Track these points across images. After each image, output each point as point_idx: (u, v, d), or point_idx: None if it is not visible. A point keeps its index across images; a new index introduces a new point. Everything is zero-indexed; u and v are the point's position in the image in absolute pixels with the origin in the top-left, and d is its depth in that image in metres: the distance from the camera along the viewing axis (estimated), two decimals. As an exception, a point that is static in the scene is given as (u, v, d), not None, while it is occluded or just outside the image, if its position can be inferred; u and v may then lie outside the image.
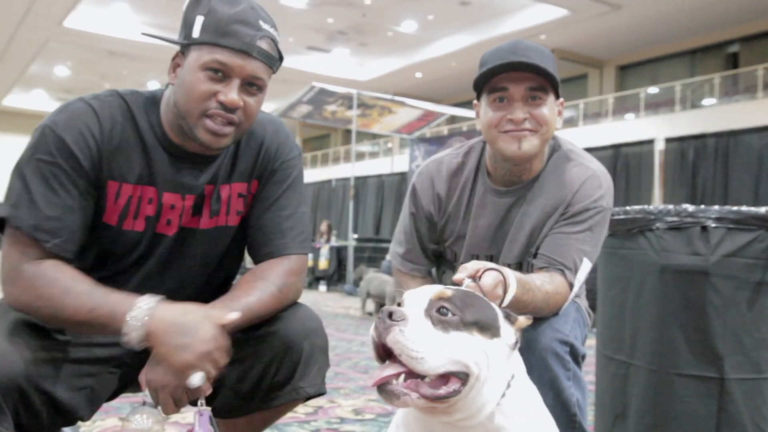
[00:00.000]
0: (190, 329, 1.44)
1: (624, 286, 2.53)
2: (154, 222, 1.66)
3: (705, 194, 14.67)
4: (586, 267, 1.84)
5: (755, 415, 2.40)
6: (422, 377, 1.15)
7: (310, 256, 14.19)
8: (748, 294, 2.34)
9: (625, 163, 15.73)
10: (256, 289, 1.62)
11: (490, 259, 1.93)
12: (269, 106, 20.05)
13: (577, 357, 1.82)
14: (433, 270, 2.15)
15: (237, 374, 1.66)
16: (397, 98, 13.82)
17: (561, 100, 1.88)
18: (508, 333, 1.26)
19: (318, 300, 11.24)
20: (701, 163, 15.02)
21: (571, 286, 1.80)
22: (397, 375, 1.14)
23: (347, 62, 23.47)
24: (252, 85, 1.58)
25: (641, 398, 2.44)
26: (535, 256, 1.87)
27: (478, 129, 1.91)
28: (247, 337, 1.63)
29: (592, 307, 2.18)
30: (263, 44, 1.57)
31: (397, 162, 19.56)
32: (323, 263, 13.89)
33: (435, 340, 1.13)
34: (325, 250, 13.93)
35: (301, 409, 3.27)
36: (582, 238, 1.84)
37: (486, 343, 1.19)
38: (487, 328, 1.20)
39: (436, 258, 2.12)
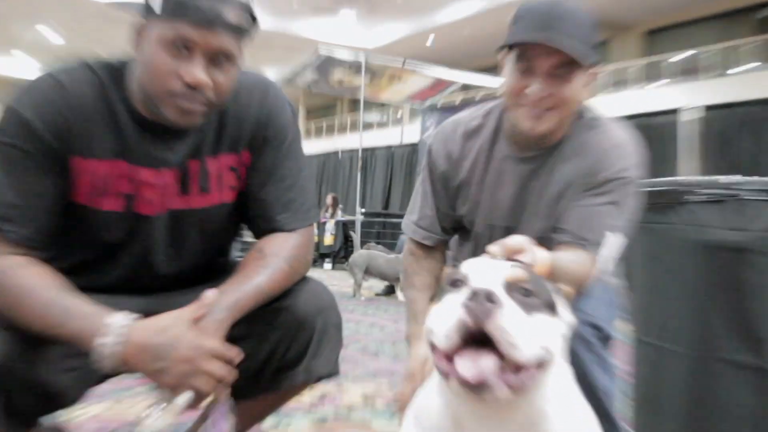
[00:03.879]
0: (164, 351, 1.39)
1: (658, 263, 2.48)
2: (132, 201, 1.62)
3: (742, 166, 14.57)
4: (615, 242, 1.79)
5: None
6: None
7: (315, 231, 14.24)
8: (792, 273, 2.27)
9: (645, 132, 15.63)
10: (265, 267, 1.61)
11: (508, 231, 1.90)
12: (271, 74, 19.92)
13: (607, 340, 1.79)
14: (452, 244, 2.12)
15: (246, 355, 1.62)
16: (407, 64, 13.68)
17: (595, 67, 1.81)
18: (564, 310, 1.25)
19: (323, 278, 11.21)
20: (736, 133, 14.88)
21: (598, 263, 1.76)
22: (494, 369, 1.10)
23: (354, 28, 23.29)
24: (221, 59, 1.50)
25: (679, 388, 2.39)
26: (556, 230, 1.82)
27: (500, 92, 1.86)
28: (255, 313, 1.61)
29: (628, 286, 2.13)
30: (230, 13, 1.47)
31: (408, 132, 19.42)
32: (328, 239, 13.88)
33: (527, 324, 1.11)
34: (330, 225, 13.91)
35: (306, 397, 3.25)
36: (607, 210, 1.79)
37: (558, 324, 1.20)
38: (553, 308, 1.20)
39: (454, 231, 2.09)
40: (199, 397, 1.44)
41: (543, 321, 1.15)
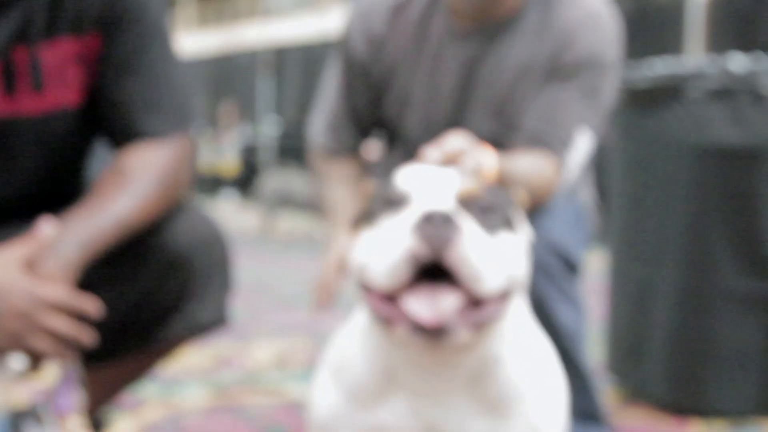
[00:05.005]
0: None
1: (647, 174, 2.58)
2: None
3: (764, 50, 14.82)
4: (584, 143, 1.84)
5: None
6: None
7: (213, 152, 14.04)
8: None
9: (646, 15, 15.75)
10: (127, 190, 1.59)
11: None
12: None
13: (572, 270, 1.85)
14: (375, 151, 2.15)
15: (105, 303, 1.61)
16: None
17: None
18: (523, 223, 1.29)
19: (221, 217, 11.16)
20: (753, 11, 15.10)
21: (563, 169, 1.80)
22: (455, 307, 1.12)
23: None
24: None
25: (669, 324, 2.52)
26: (514, 128, 1.86)
27: None
28: (119, 251, 1.60)
29: (602, 203, 2.20)
30: None
31: (332, 22, 19.20)
32: (228, 163, 13.76)
33: (490, 249, 1.13)
34: (229, 145, 13.76)
35: (201, 360, 3.30)
36: (576, 102, 1.83)
37: (518, 241, 1.22)
38: (513, 224, 1.23)
39: (375, 134, 2.12)
40: (38, 361, 1.44)
41: (506, 242, 1.17)
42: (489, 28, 1.89)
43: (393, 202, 1.19)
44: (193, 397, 2.82)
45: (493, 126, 1.90)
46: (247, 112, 16.13)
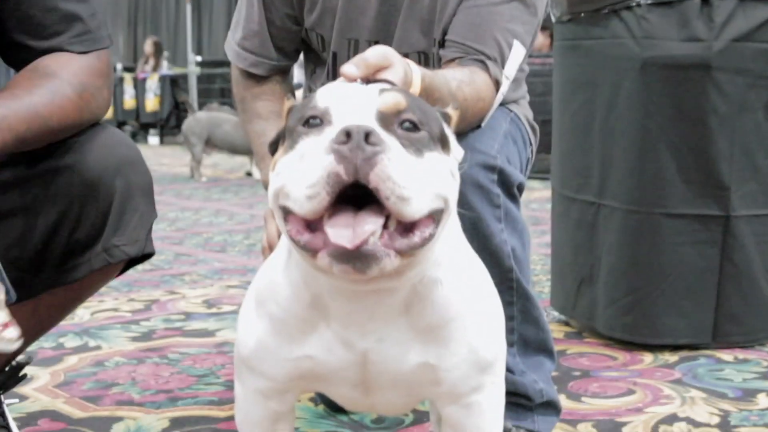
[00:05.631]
0: None
1: (590, 93, 2.55)
2: None
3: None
4: (517, 55, 1.81)
5: (770, 265, 2.52)
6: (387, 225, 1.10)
7: (131, 92, 13.90)
8: (766, 95, 2.39)
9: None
10: (43, 87, 1.57)
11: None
12: None
13: (511, 188, 1.81)
14: (297, 74, 2.13)
15: (13, 235, 1.61)
16: None
17: None
18: (454, 142, 1.26)
19: (148, 157, 11.07)
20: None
21: (497, 84, 1.78)
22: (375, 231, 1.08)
23: None
24: None
25: (615, 252, 2.51)
26: (443, 44, 1.83)
27: None
28: (27, 175, 1.58)
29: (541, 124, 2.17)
30: None
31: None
32: (152, 102, 13.64)
33: (416, 169, 1.10)
34: (152, 83, 13.64)
35: (128, 305, 3.25)
36: (508, 11, 1.80)
37: (451, 162, 1.20)
38: (445, 141, 1.21)
39: (296, 54, 2.09)
40: None
41: (435, 161, 1.15)
42: None
43: (311, 120, 1.15)
44: (118, 343, 2.76)
45: (422, 42, 1.87)
46: (169, 49, 15.98)
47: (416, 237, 1.11)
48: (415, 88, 1.41)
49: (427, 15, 1.85)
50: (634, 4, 2.43)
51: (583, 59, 2.58)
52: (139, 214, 1.69)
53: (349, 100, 1.16)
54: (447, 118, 1.27)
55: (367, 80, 1.30)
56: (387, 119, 1.13)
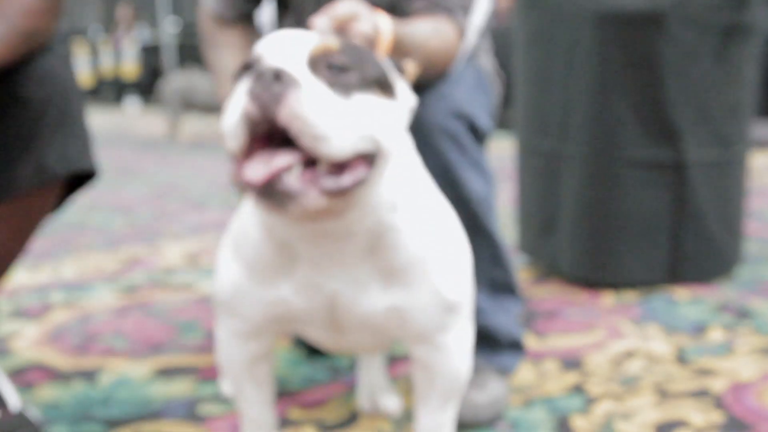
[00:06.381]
0: None
1: (548, 46, 2.62)
2: None
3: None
4: (482, 6, 1.85)
5: (721, 207, 2.62)
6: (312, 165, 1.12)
7: (110, 58, 13.72)
8: (715, 43, 2.47)
9: None
10: None
11: None
12: None
13: (478, 135, 1.87)
14: (264, 19, 2.11)
15: None
16: None
17: None
18: (404, 90, 1.29)
19: (126, 123, 11.03)
20: None
21: (462, 33, 1.81)
22: (289, 166, 1.10)
23: None
24: None
25: (576, 197, 2.61)
26: None
27: None
28: None
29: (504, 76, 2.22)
30: None
31: None
32: (129, 68, 13.50)
33: (338, 108, 1.12)
34: (129, 48, 13.49)
35: (109, 262, 3.33)
36: None
37: (390, 106, 1.22)
38: (387, 86, 1.23)
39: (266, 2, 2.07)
40: None
41: (365, 102, 1.17)
42: None
43: (248, 66, 1.19)
44: (102, 298, 2.83)
45: None
46: (145, 13, 15.76)
47: (346, 179, 1.13)
48: (386, 40, 1.44)
49: None
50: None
51: (542, 14, 2.63)
52: (74, 130, 1.71)
53: (281, 46, 1.20)
54: (400, 68, 1.32)
55: (336, 31, 1.34)
56: (315, 61, 1.15)
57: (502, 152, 5.46)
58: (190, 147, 7.94)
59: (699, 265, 2.65)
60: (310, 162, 1.11)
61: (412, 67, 1.35)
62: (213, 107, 8.06)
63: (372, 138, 1.15)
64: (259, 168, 1.08)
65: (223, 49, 1.98)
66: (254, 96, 1.07)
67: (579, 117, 2.56)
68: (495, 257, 1.95)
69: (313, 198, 1.10)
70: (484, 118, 1.90)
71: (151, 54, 13.50)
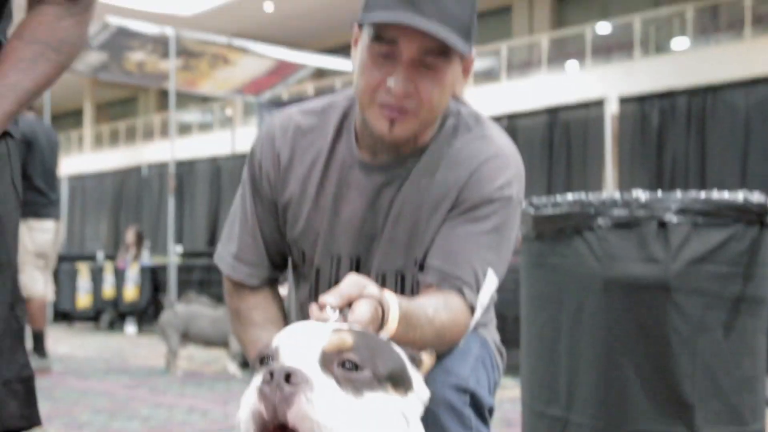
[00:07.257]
0: None
1: (555, 309, 2.63)
2: None
3: (675, 175, 15.30)
4: (491, 283, 1.87)
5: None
6: None
7: (111, 281, 13.89)
8: (724, 315, 2.47)
9: (564, 133, 16.19)
10: (34, 60, 1.77)
11: (357, 263, 1.96)
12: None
13: (482, 410, 1.85)
14: (287, 282, 2.15)
15: None
16: (236, 42, 13.69)
17: (471, 55, 1.88)
18: (419, 383, 1.30)
19: (125, 347, 11.00)
20: (669, 131, 15.67)
21: (472, 310, 1.83)
22: None
23: (160, -11, 23.07)
24: None
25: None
26: (422, 265, 1.89)
27: (354, 74, 1.91)
28: None
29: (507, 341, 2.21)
30: None
31: (241, 137, 19.38)
32: (131, 292, 13.58)
33: (348, 409, 1.13)
34: (133, 272, 13.64)
35: None
36: (485, 241, 1.87)
37: (403, 402, 1.23)
38: (401, 382, 1.24)
39: (285, 264, 2.13)
40: None
41: (376, 401, 1.17)
42: (398, 160, 1.94)
43: (264, 360, 1.22)
44: None
45: (401, 261, 1.93)
46: (151, 239, 16.08)
47: None
48: (394, 317, 1.49)
49: (408, 238, 1.93)
50: (595, 225, 2.51)
51: (549, 276, 2.65)
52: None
53: (297, 340, 1.22)
54: (416, 361, 1.33)
55: (340, 309, 1.37)
56: (327, 359, 1.18)
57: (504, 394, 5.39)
58: (187, 379, 7.88)
59: None
60: None
61: (428, 359, 1.38)
62: (211, 339, 8.07)
63: None
64: None
65: (253, 327, 2.02)
66: (265, 396, 1.10)
67: (586, 385, 2.53)
68: None
69: None
70: (486, 393, 1.91)
71: (152, 279, 13.64)
